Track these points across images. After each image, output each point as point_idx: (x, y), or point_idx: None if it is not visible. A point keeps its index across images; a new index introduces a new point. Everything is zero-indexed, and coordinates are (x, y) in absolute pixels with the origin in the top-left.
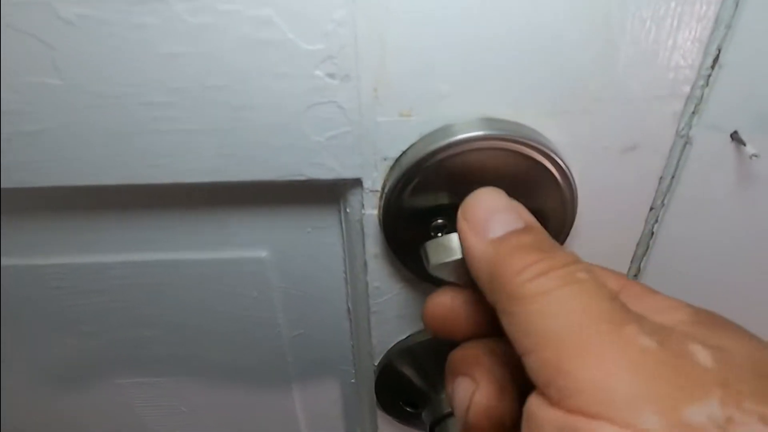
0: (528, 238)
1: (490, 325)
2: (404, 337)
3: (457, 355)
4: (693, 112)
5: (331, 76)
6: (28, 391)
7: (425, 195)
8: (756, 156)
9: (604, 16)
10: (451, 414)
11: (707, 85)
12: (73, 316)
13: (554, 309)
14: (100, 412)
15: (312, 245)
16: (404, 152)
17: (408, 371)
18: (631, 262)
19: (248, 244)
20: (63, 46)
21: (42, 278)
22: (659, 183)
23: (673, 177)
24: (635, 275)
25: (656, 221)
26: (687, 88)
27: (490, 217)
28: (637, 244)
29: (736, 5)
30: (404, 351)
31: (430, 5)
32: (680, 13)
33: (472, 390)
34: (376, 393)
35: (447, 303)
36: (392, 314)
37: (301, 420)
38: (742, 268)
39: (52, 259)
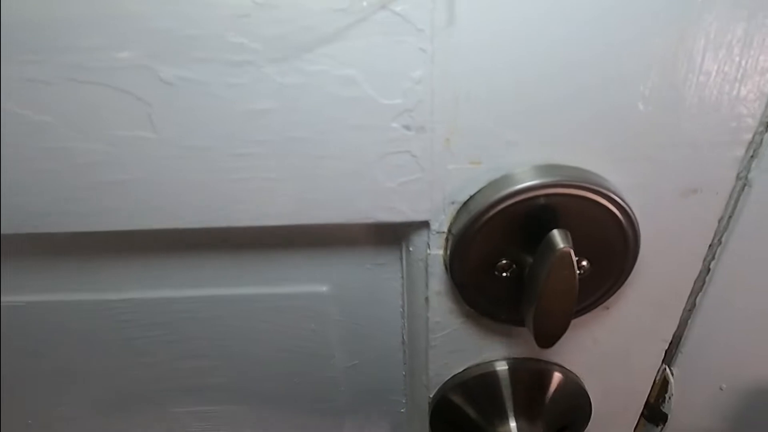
0: None
1: None
2: (460, 370)
3: None
4: (752, 156)
5: (407, 128)
6: (84, 419)
7: (491, 237)
8: None
9: (672, 71)
10: None
11: (767, 131)
12: (135, 348)
13: None
14: None
15: (370, 281)
16: (472, 196)
17: (463, 404)
18: (689, 297)
19: (309, 280)
20: (160, 104)
21: (110, 312)
22: (718, 223)
23: (730, 217)
24: (691, 309)
25: (713, 258)
26: (748, 136)
27: None
28: (695, 280)
29: None
30: (460, 384)
31: (504, 63)
32: (745, 66)
33: None
34: (431, 424)
35: None
36: (450, 348)
37: None
38: None
39: (123, 294)
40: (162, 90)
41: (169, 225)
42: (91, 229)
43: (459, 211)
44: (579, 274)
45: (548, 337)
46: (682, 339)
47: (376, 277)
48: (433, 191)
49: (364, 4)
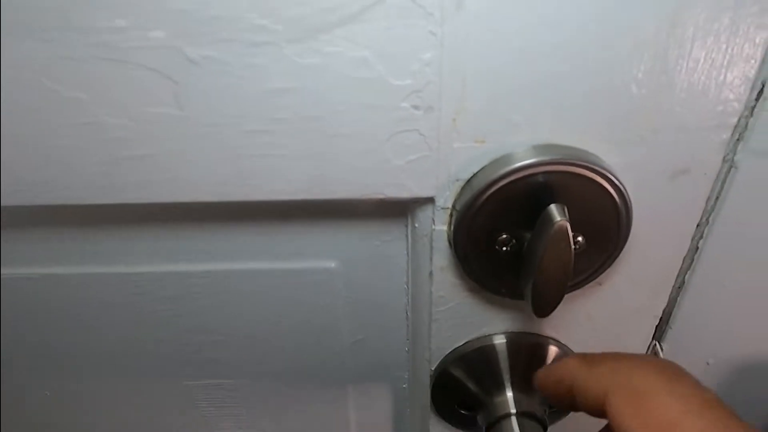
0: None
1: None
2: (461, 344)
3: None
4: (738, 139)
5: (416, 107)
6: (98, 390)
7: (493, 212)
8: None
9: (663, 56)
10: (505, 416)
11: (752, 115)
12: (149, 321)
13: None
14: (167, 410)
15: (377, 257)
16: (475, 174)
17: (463, 376)
18: (678, 274)
19: (318, 255)
20: (186, 82)
21: (125, 285)
22: (706, 203)
23: (717, 198)
24: (680, 287)
25: (701, 237)
26: (734, 119)
27: None
28: (684, 258)
29: None
30: (460, 357)
31: (508, 47)
32: (731, 54)
33: None
34: (432, 396)
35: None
36: (452, 322)
37: (352, 421)
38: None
39: (137, 268)
40: (188, 69)
41: (190, 198)
42: (116, 201)
43: (463, 188)
44: (576, 248)
45: (545, 306)
46: (672, 315)
47: (382, 253)
48: (439, 169)
49: None
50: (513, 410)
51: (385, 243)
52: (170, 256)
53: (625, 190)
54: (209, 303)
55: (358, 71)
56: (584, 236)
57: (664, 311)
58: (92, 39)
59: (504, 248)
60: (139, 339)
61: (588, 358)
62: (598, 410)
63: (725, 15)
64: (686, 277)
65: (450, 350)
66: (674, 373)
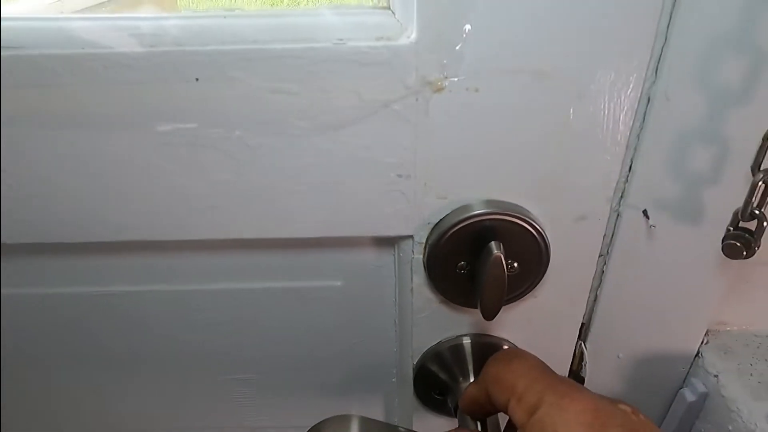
0: None
1: None
2: (435, 343)
3: None
4: (620, 197)
5: (399, 176)
6: (148, 383)
7: (454, 246)
8: (654, 226)
9: (565, 145)
10: None
11: (627, 181)
12: (196, 328)
13: None
14: (204, 402)
15: (373, 277)
16: (441, 219)
17: (437, 369)
18: (590, 290)
19: (328, 276)
20: (244, 158)
21: (181, 300)
22: (603, 239)
23: (612, 236)
24: (594, 300)
25: (605, 263)
26: (614, 184)
27: None
28: (593, 278)
29: (638, 137)
30: (435, 353)
31: (460, 142)
32: (605, 142)
33: None
34: (414, 385)
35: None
36: (428, 327)
37: (352, 409)
38: (654, 291)
39: (193, 286)
40: (247, 151)
41: (239, 236)
42: (192, 238)
43: (433, 229)
44: (511, 271)
45: (489, 312)
46: (591, 321)
47: (376, 275)
48: (416, 216)
49: (376, 103)
50: None
51: (379, 267)
52: (217, 276)
53: (544, 230)
54: (239, 313)
55: (361, 153)
56: (518, 263)
57: (585, 318)
58: (186, 132)
59: (462, 272)
60: (183, 341)
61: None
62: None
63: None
64: (597, 292)
65: (427, 348)
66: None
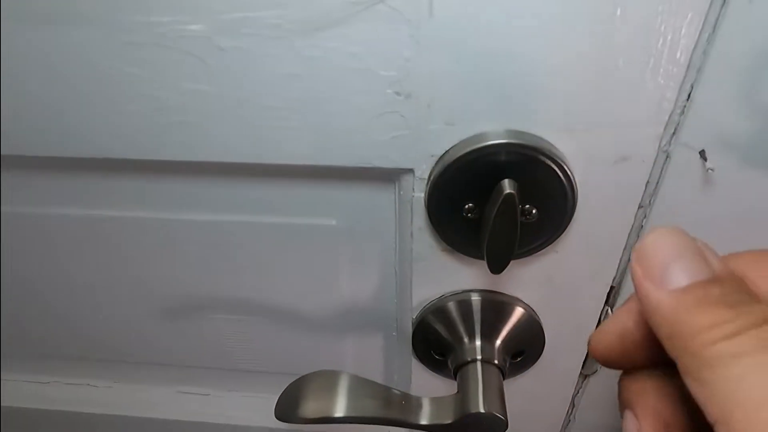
0: (717, 290)
1: (663, 356)
2: (437, 297)
3: (624, 385)
4: (672, 133)
5: (398, 93)
6: (137, 320)
7: (460, 184)
8: (712, 170)
9: (605, 65)
10: (471, 361)
11: (683, 113)
12: (183, 262)
13: (748, 378)
14: (194, 339)
15: (371, 218)
16: (447, 151)
17: (438, 326)
18: (624, 248)
19: (322, 214)
20: (215, 64)
21: (165, 230)
22: (646, 187)
23: (657, 182)
24: (628, 260)
25: (645, 216)
26: (666, 117)
27: (672, 263)
28: (629, 234)
29: (704, 54)
30: (437, 309)
31: (472, 48)
32: (659, 61)
33: (636, 429)
34: (413, 344)
35: (614, 334)
36: (429, 277)
37: (348, 365)
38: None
39: (177, 215)
40: (217, 54)
41: (217, 159)
42: (159, 158)
43: (437, 162)
44: (528, 218)
45: (497, 265)
46: (622, 284)
47: (375, 215)
48: (417, 145)
49: None
50: (478, 356)
51: (378, 207)
52: (204, 206)
53: (572, 171)
54: (232, 249)
55: (351, 63)
56: (537, 209)
57: (615, 281)
58: (151, 30)
59: (469, 215)
60: (176, 277)
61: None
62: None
63: (656, 22)
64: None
65: (428, 302)
66: None
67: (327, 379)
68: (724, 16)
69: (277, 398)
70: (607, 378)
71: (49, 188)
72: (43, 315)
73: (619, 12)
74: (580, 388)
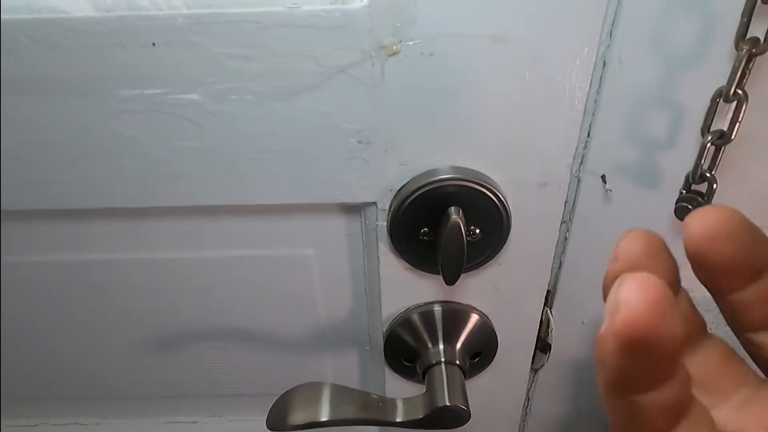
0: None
1: None
2: (403, 311)
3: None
4: (580, 163)
5: (360, 142)
6: (135, 354)
7: (416, 212)
8: (610, 190)
9: (525, 111)
10: (436, 363)
11: (586, 147)
12: (160, 296)
13: None
14: (180, 370)
15: (342, 246)
16: (403, 185)
17: (406, 336)
18: (554, 257)
19: (299, 244)
20: (206, 125)
21: (146, 270)
22: (565, 206)
23: (573, 202)
24: (559, 267)
25: (567, 230)
26: (573, 150)
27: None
28: (556, 246)
29: (595, 102)
30: (403, 321)
31: (419, 105)
32: (562, 108)
33: None
34: (385, 354)
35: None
36: (396, 294)
37: (328, 378)
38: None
39: (168, 254)
40: (209, 117)
41: (205, 203)
42: (151, 205)
43: (395, 196)
44: (473, 237)
45: (450, 277)
46: (556, 288)
47: (347, 243)
48: (378, 182)
49: (333, 68)
50: (442, 359)
51: (349, 235)
52: (192, 244)
53: (504, 197)
54: (218, 281)
55: (321, 119)
56: (480, 229)
57: (550, 285)
58: (149, 99)
59: (425, 238)
60: (174, 315)
61: None
62: None
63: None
64: (561, 258)
65: (396, 315)
66: None
67: (311, 389)
68: (605, 76)
69: (267, 414)
70: (553, 370)
71: (35, 236)
72: (28, 357)
73: (528, 74)
74: (533, 381)
